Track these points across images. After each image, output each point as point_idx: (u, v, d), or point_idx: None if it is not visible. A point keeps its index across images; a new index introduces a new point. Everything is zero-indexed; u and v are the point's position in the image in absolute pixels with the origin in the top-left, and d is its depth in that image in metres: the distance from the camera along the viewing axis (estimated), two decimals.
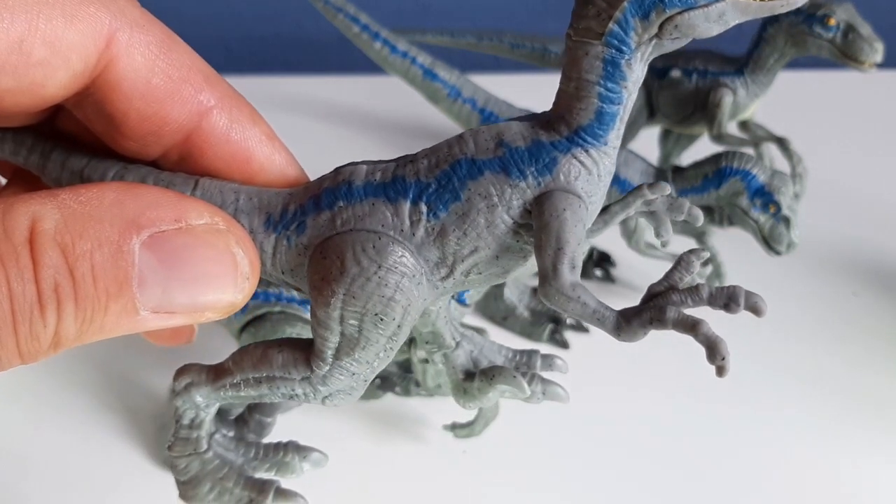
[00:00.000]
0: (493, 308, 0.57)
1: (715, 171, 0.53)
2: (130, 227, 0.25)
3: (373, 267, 0.27)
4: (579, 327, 0.57)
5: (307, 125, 0.84)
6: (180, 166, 0.30)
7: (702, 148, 0.63)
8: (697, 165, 0.55)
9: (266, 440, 0.35)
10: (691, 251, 0.27)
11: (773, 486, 0.46)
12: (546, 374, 0.36)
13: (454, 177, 0.27)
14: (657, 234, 0.31)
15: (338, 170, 0.29)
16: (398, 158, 0.29)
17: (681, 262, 0.27)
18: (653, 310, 0.26)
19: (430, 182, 0.28)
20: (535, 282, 0.59)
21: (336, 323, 0.28)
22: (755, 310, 0.25)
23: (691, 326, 0.25)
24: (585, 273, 0.62)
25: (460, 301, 0.45)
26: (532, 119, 0.28)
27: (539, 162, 0.27)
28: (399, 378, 0.51)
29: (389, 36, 0.67)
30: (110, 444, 0.48)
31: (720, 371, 0.25)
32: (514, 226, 0.27)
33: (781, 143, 0.62)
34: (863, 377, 0.54)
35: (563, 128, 0.27)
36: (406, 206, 0.28)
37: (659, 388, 0.53)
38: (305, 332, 0.44)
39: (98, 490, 0.45)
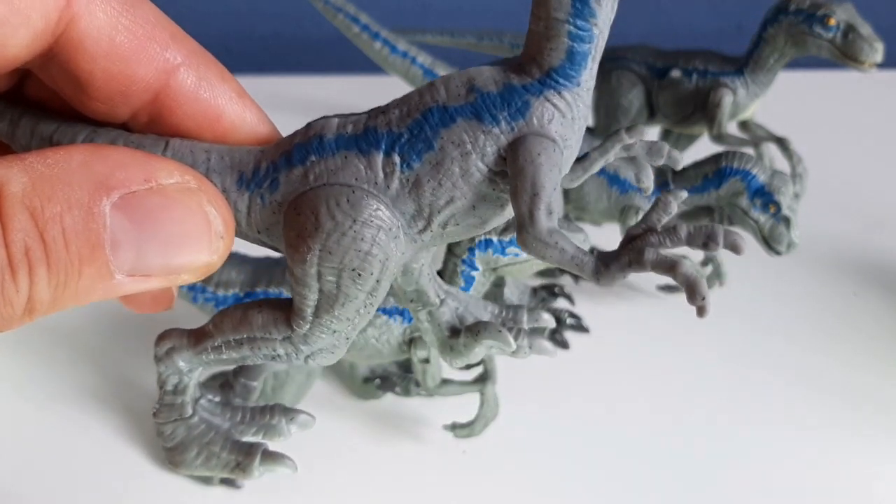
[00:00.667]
0: None
1: (715, 171, 0.53)
2: (100, 189, 0.24)
3: (348, 221, 0.27)
4: (579, 327, 0.57)
5: None
6: (150, 128, 0.30)
7: (702, 148, 0.63)
8: (697, 165, 0.55)
9: (252, 404, 0.35)
10: (668, 192, 0.27)
11: (773, 486, 0.46)
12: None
13: (426, 125, 0.27)
14: (637, 181, 0.31)
15: (309, 125, 0.29)
16: (370, 110, 0.28)
17: (658, 203, 0.26)
18: (631, 252, 0.25)
19: (403, 132, 0.27)
20: (535, 282, 0.59)
21: (314, 280, 0.28)
22: (734, 247, 0.25)
23: (670, 266, 0.25)
24: None
25: None
26: (503, 63, 0.28)
27: (511, 106, 0.26)
28: (399, 378, 0.51)
29: (389, 36, 0.67)
30: (110, 443, 0.48)
31: (700, 311, 0.24)
32: (489, 173, 0.27)
33: (781, 143, 0.62)
34: (863, 377, 0.54)
35: (534, 70, 0.27)
36: (379, 158, 0.27)
37: (659, 388, 0.53)
38: None
39: (98, 489, 0.45)
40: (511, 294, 0.57)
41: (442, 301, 0.33)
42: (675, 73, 0.63)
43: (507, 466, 0.47)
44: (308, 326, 0.29)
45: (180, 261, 0.26)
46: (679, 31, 0.86)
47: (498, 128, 0.26)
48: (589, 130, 0.66)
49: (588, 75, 0.27)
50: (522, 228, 0.25)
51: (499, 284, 0.54)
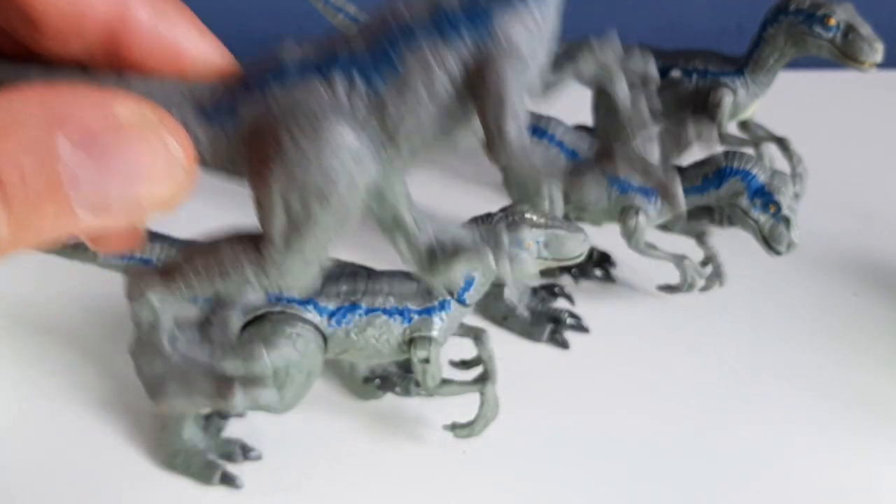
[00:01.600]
0: (493, 308, 0.57)
1: (715, 171, 0.53)
2: (57, 126, 0.24)
3: (311, 146, 0.27)
4: (579, 327, 0.57)
5: None
6: (109, 67, 0.29)
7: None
8: (697, 165, 0.55)
9: (230, 337, 0.35)
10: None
11: (773, 487, 0.46)
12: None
13: (390, 48, 0.27)
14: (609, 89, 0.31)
15: (268, 51, 0.29)
16: (331, 34, 0.28)
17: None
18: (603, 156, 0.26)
19: (366, 55, 0.27)
20: (535, 282, 0.59)
21: (279, 206, 0.28)
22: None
23: (642, 166, 0.25)
24: (585, 273, 0.62)
25: (460, 301, 0.45)
26: None
27: (477, 24, 0.26)
28: (399, 378, 0.51)
29: None
30: (110, 444, 0.48)
31: (673, 203, 0.25)
32: (455, 92, 0.26)
33: (781, 143, 0.62)
34: (863, 377, 0.54)
35: None
36: (342, 82, 0.27)
37: (659, 388, 0.53)
38: (306, 333, 0.44)
39: (97, 490, 0.45)
40: (511, 294, 0.57)
41: (420, 227, 0.33)
42: (675, 73, 0.63)
43: (507, 466, 0.47)
44: (278, 254, 0.29)
45: (142, 194, 0.26)
46: (679, 31, 0.86)
47: (463, 46, 0.26)
48: (589, 130, 0.66)
49: None
50: (491, 142, 0.25)
51: (499, 284, 0.54)
